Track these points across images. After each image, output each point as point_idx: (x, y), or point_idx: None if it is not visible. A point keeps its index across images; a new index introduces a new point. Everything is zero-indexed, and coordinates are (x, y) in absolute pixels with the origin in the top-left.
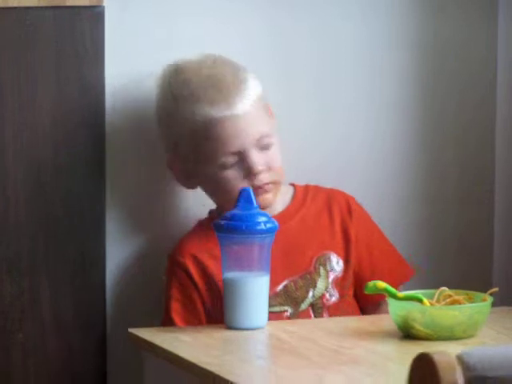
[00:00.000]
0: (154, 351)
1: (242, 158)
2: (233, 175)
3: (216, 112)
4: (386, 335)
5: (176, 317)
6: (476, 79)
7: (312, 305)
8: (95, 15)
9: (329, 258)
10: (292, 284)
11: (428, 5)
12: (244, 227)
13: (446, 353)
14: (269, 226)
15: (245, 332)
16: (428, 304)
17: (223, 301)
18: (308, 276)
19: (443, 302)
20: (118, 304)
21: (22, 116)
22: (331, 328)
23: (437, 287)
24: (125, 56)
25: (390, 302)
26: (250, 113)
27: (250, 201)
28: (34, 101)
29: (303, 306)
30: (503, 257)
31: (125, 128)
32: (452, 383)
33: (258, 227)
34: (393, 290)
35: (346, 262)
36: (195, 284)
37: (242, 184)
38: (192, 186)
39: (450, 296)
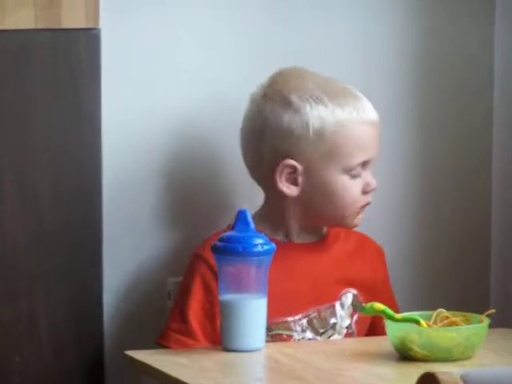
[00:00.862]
0: (151, 374)
1: (362, 171)
2: (355, 186)
3: (363, 115)
4: (384, 357)
5: (193, 318)
6: (473, 80)
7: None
8: (91, 37)
9: (354, 296)
10: (316, 314)
11: (425, 6)
12: (241, 249)
13: (450, 372)
14: (266, 247)
15: (243, 354)
16: (425, 325)
17: (220, 323)
18: (332, 309)
19: (440, 324)
20: (115, 327)
21: (17, 140)
22: (329, 350)
23: (434, 309)
24: (122, 77)
25: (388, 323)
26: (379, 127)
27: (247, 222)
28: (30, 123)
29: (323, 337)
30: (500, 278)
31: (122, 149)
32: None
33: (255, 249)
34: (390, 311)
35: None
36: None
37: (360, 197)
38: (292, 193)
39: (447, 317)
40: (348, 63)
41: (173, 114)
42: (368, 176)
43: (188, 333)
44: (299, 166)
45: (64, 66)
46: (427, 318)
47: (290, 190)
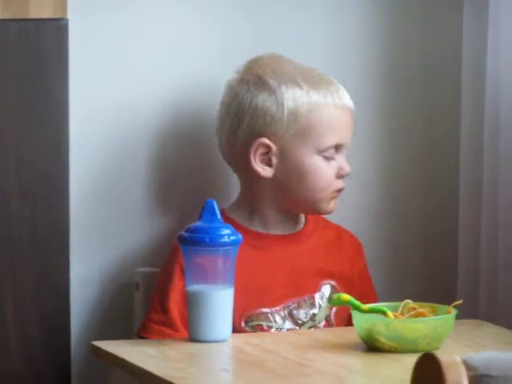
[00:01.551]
0: (117, 364)
1: (336, 154)
2: (328, 168)
3: (337, 99)
4: (351, 348)
5: (174, 309)
6: (441, 79)
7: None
8: (59, 28)
9: (334, 288)
10: (296, 305)
11: (393, 6)
12: (208, 240)
13: (450, 353)
14: (232, 238)
15: (209, 344)
16: (392, 316)
17: (187, 313)
18: (312, 300)
19: (407, 315)
20: (82, 318)
21: None
22: (296, 340)
23: (401, 300)
24: (89, 68)
25: (355, 314)
26: (352, 113)
27: (213, 213)
28: None
29: (303, 328)
30: (467, 269)
31: (89, 142)
32: (457, 382)
33: (222, 240)
34: (357, 302)
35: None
36: None
37: (333, 180)
38: (267, 174)
39: (414, 309)
40: (317, 61)
41: (141, 104)
42: (342, 160)
43: (169, 323)
44: (273, 146)
45: (32, 56)
46: (394, 309)
47: (265, 171)
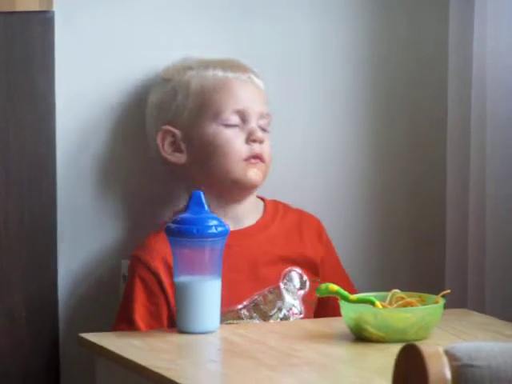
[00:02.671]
0: (105, 356)
1: (244, 122)
2: (233, 135)
3: (232, 73)
4: (339, 338)
5: (139, 320)
6: (428, 77)
7: (280, 319)
8: (45, 20)
9: (298, 275)
10: (261, 298)
11: (379, 4)
12: (195, 231)
13: (431, 344)
14: (220, 229)
15: (197, 336)
16: (380, 306)
17: (175, 305)
18: (277, 290)
19: (395, 305)
20: (70, 309)
21: None
22: (283, 331)
23: (389, 290)
24: (75, 61)
25: (343, 304)
26: (261, 90)
27: (201, 204)
28: None
29: (271, 320)
30: (456, 258)
31: (76, 132)
32: (439, 373)
33: (210, 231)
34: (345, 292)
35: (313, 281)
36: (164, 290)
37: (242, 147)
38: (179, 160)
39: (402, 298)
40: (306, 59)
41: (127, 98)
42: (251, 126)
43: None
44: (176, 131)
45: (17, 48)
46: (382, 299)
47: (176, 158)
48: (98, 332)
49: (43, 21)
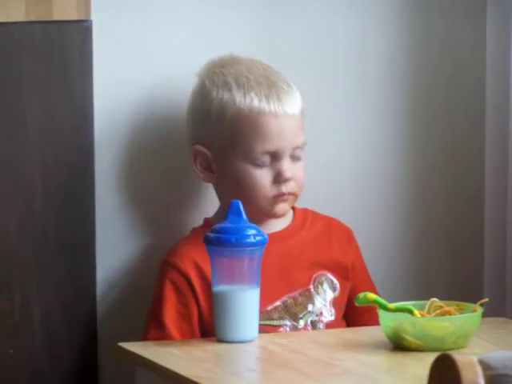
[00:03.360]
0: (144, 365)
1: (274, 160)
2: (262, 175)
3: (267, 105)
4: (377, 347)
5: (170, 323)
6: (465, 80)
7: (311, 322)
8: (83, 29)
9: (327, 278)
10: (292, 300)
11: (417, 5)
12: (233, 240)
13: (466, 354)
14: (258, 238)
15: (236, 345)
16: (419, 315)
17: (214, 314)
18: (307, 293)
19: (434, 313)
20: (108, 317)
21: (10, 132)
22: (322, 340)
23: (427, 298)
24: (113, 69)
25: (381, 313)
26: (296, 118)
27: (239, 214)
28: (23, 117)
29: (302, 323)
30: (494, 267)
31: (114, 141)
32: (473, 383)
33: (248, 240)
34: (383, 301)
35: (344, 285)
36: (195, 292)
37: (269, 186)
38: (209, 180)
39: (440, 307)
40: (341, 62)
41: (165, 105)
42: (280, 166)
43: (167, 338)
44: (208, 153)
45: (56, 58)
46: (420, 308)
47: (207, 177)
48: (136, 339)
49: (81, 30)
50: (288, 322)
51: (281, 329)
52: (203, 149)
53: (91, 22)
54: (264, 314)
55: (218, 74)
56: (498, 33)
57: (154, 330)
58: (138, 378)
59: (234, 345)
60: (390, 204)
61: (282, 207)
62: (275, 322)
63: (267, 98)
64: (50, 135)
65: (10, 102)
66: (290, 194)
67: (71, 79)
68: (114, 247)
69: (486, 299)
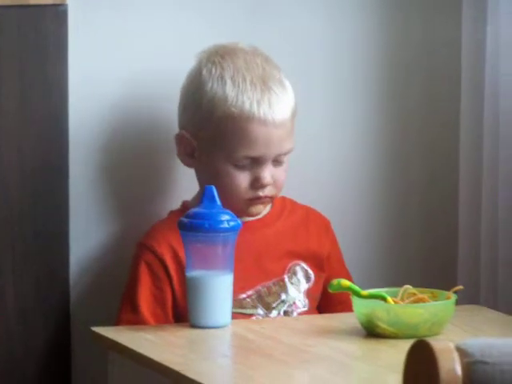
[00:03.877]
0: (117, 350)
1: (255, 164)
2: (240, 177)
3: (257, 111)
4: (351, 333)
5: (144, 306)
6: (441, 78)
7: (284, 312)
8: (59, 14)
9: (302, 268)
10: (265, 289)
11: (392, 3)
12: (207, 225)
13: (443, 340)
14: (232, 224)
15: (209, 330)
16: (392, 302)
17: (187, 299)
18: (281, 283)
19: (407, 300)
20: (82, 302)
21: None
22: (296, 326)
23: (400, 285)
24: (88, 55)
25: (354, 300)
26: (285, 126)
27: (213, 199)
28: None
29: (275, 313)
30: (468, 254)
31: (88, 125)
32: (450, 369)
33: (222, 225)
34: (357, 288)
35: (319, 275)
36: (170, 277)
37: (246, 189)
38: (190, 165)
39: (414, 294)
40: (317, 61)
41: (139, 90)
42: (261, 171)
43: (140, 322)
44: (194, 141)
45: (31, 42)
46: (394, 295)
47: (188, 162)
48: (109, 324)
49: (57, 14)
50: (261, 311)
51: (253, 318)
52: (189, 136)
53: (66, 6)
54: (237, 302)
55: (217, 64)
56: (473, 30)
57: (127, 313)
58: (111, 363)
59: (207, 330)
60: (365, 191)
61: (257, 208)
62: (248, 311)
63: (258, 103)
64: (24, 122)
65: None
66: (266, 197)
67: (46, 64)
68: (88, 232)
69: (461, 287)
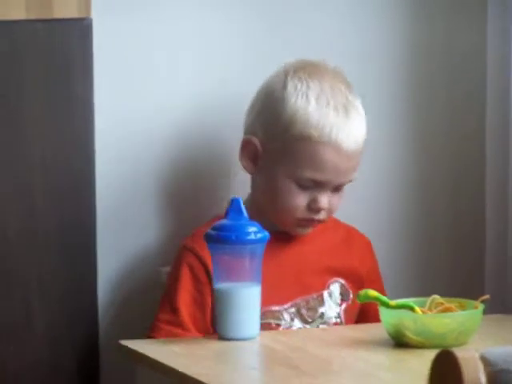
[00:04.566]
0: (146, 363)
1: (316, 187)
2: (300, 197)
3: (334, 138)
4: (378, 344)
5: (183, 308)
6: (466, 82)
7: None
8: (83, 27)
9: (342, 285)
10: (304, 303)
11: (418, 7)
12: (234, 237)
13: (467, 349)
14: (259, 236)
15: (237, 342)
16: (420, 312)
17: (215, 311)
18: (320, 298)
19: (435, 310)
20: (110, 317)
21: (10, 133)
22: (323, 337)
23: (428, 295)
24: (113, 67)
25: (382, 310)
26: (356, 157)
27: (239, 211)
28: (23, 115)
29: (311, 327)
30: (495, 264)
31: (114, 139)
32: (474, 378)
33: (249, 237)
34: (384, 298)
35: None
36: (211, 281)
37: (302, 209)
38: (250, 171)
39: (441, 304)
40: (342, 63)
41: (166, 104)
42: (320, 195)
43: (178, 323)
44: (260, 149)
45: (56, 56)
46: (422, 305)
47: (249, 167)
48: (137, 337)
49: (81, 28)
50: (298, 325)
51: (280, 328)
52: (258, 143)
53: (91, 20)
54: (273, 313)
55: (303, 81)
56: (499, 34)
57: (165, 313)
58: (139, 376)
59: (234, 342)
60: (390, 201)
61: (305, 230)
62: (284, 323)
63: (338, 130)
64: (50, 135)
65: (8, 102)
66: (318, 221)
67: (71, 77)
68: (116, 246)
69: (487, 296)
